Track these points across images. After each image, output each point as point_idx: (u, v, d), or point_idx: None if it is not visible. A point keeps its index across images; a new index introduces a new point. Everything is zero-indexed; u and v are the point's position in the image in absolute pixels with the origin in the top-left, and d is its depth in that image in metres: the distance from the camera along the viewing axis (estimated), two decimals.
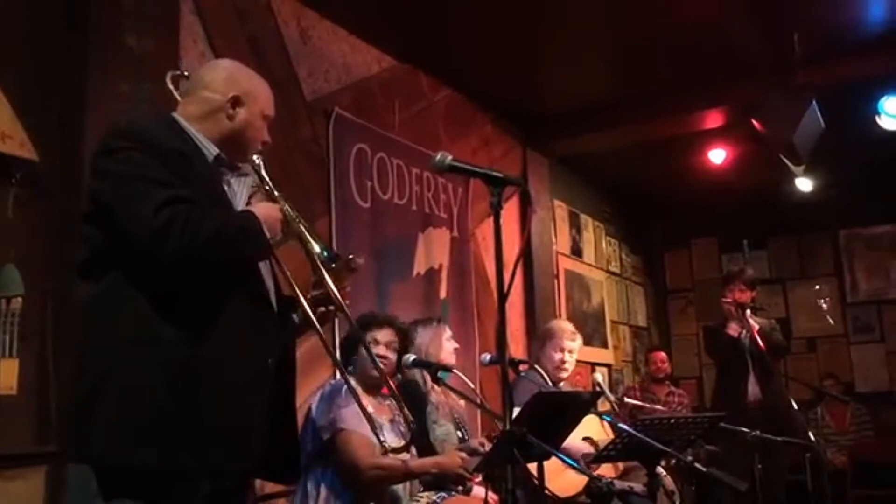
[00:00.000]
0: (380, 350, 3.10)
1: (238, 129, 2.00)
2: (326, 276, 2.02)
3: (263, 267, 2.01)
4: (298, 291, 2.09)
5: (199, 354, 1.76)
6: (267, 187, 2.06)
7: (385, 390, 3.17)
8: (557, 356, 4.12)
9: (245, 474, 1.94)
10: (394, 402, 3.25)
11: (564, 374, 4.16)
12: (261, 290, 1.96)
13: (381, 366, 3.07)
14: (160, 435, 1.71)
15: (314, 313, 2.05)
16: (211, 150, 1.95)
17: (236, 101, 2.00)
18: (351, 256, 2.11)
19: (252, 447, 1.84)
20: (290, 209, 2.03)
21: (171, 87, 2.18)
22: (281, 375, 1.99)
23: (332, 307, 2.07)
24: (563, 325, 4.32)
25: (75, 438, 1.76)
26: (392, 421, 3.12)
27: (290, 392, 2.07)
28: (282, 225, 1.98)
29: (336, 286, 2.03)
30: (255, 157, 2.05)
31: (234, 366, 1.81)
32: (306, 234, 2.04)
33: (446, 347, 3.57)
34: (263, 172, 2.05)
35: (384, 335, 3.16)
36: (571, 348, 4.15)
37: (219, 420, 1.76)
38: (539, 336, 4.33)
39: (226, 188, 1.99)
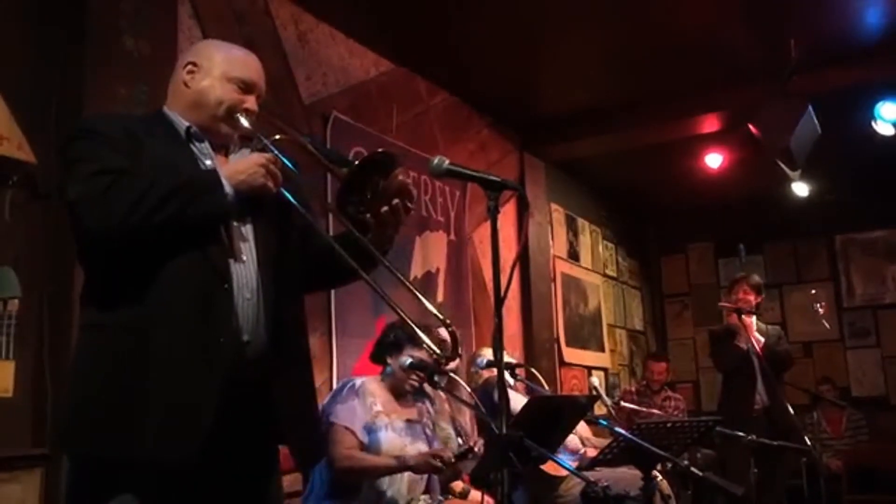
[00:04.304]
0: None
1: (196, 92, 1.88)
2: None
3: (250, 232, 1.83)
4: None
5: (133, 338, 1.67)
6: (260, 142, 1.86)
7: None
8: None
9: (192, 465, 1.64)
10: (427, 404, 3.26)
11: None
12: (216, 261, 1.74)
13: (414, 385, 3.14)
14: (91, 422, 1.68)
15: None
16: (181, 125, 1.88)
17: (192, 67, 1.90)
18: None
19: (190, 434, 1.63)
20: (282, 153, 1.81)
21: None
22: (268, 354, 1.77)
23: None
24: None
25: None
26: (411, 421, 3.14)
27: (286, 372, 1.82)
28: (267, 171, 1.76)
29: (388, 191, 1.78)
30: (240, 117, 1.87)
31: (164, 348, 1.66)
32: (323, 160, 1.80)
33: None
34: (245, 123, 1.86)
35: (423, 355, 3.11)
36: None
37: (149, 406, 1.63)
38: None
39: (207, 162, 1.85)
